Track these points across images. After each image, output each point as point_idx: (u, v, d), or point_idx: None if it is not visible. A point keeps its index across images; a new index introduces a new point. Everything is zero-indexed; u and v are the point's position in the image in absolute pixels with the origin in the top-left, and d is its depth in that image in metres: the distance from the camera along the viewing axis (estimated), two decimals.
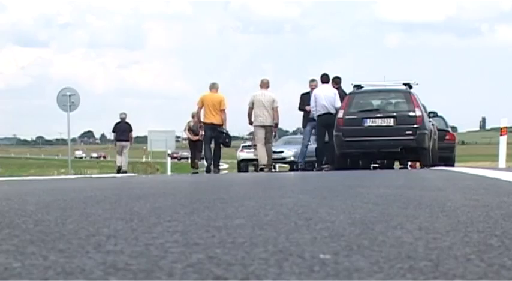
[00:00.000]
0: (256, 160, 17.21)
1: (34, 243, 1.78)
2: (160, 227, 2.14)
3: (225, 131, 15.99)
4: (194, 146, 20.69)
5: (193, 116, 19.95)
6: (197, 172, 19.34)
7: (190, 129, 20.59)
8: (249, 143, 23.88)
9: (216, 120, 15.54)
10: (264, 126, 15.43)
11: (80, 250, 1.63)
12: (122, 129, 22.44)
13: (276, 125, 15.88)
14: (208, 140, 16.11)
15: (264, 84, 15.66)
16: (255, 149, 17.30)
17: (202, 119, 15.86)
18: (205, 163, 17.95)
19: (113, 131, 23.03)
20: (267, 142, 15.56)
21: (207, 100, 15.67)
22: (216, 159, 16.23)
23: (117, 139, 22.70)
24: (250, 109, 15.53)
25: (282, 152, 23.00)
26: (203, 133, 16.90)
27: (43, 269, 1.36)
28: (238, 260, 1.46)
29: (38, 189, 6.05)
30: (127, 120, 22.81)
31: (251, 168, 24.88)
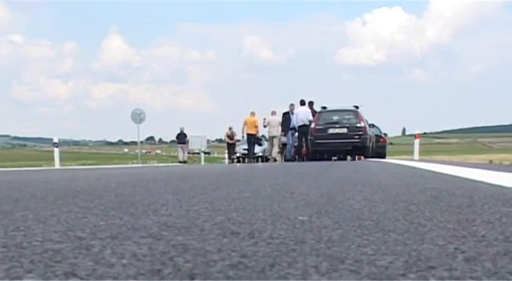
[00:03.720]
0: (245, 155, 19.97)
1: (114, 209, 1.77)
2: (196, 199, 2.12)
3: (256, 136, 19.16)
4: (230, 146, 23.31)
5: (230, 128, 23.03)
6: (233, 162, 20.61)
7: (228, 136, 23.05)
8: (246, 146, 23.79)
9: (252, 131, 18.41)
10: (273, 137, 17.49)
11: (144, 214, 1.61)
12: (181, 137, 24.18)
13: (284, 134, 17.64)
14: (248, 143, 18.98)
15: (273, 113, 17.73)
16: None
17: (245, 131, 18.56)
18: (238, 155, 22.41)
19: (176, 138, 24.58)
20: (275, 145, 17.69)
21: (248, 121, 18.38)
22: (250, 155, 19.03)
23: (178, 142, 24.26)
24: (265, 126, 17.76)
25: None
26: (237, 138, 22.16)
27: (119, 226, 1.35)
28: (246, 220, 1.44)
29: (118, 173, 6.04)
30: (184, 131, 24.51)
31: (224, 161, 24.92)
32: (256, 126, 18.37)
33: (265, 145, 21.83)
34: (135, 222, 1.42)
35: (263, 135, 20.74)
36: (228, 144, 23.36)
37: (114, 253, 1.00)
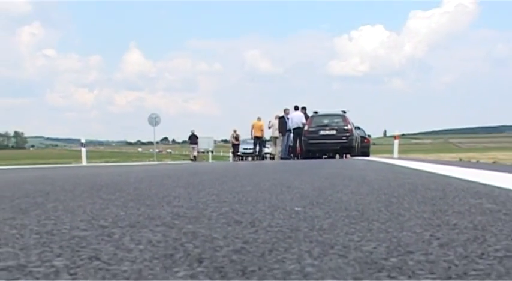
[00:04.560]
0: (250, 154, 20.26)
1: (133, 200, 1.76)
2: (204, 192, 2.11)
3: (263, 139, 19.06)
4: (235, 146, 23.58)
5: (234, 131, 23.58)
6: (238, 160, 20.62)
7: (234, 137, 23.56)
8: (245, 145, 23.68)
9: (259, 134, 18.42)
10: (276, 138, 17.17)
11: (158, 205, 1.60)
12: (193, 138, 24.23)
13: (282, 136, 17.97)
14: (255, 144, 18.87)
15: (277, 117, 17.30)
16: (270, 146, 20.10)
17: (253, 134, 18.42)
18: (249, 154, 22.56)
19: (189, 139, 24.74)
20: (278, 144, 17.58)
21: (255, 125, 18.39)
22: (255, 153, 19.20)
23: (191, 143, 24.33)
24: (269, 128, 17.50)
25: (252, 148, 22.65)
26: (241, 139, 22.55)
27: (137, 216, 1.34)
28: (248, 211, 1.43)
29: (136, 169, 6.03)
30: (195, 133, 24.66)
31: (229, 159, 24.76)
32: (262, 130, 18.54)
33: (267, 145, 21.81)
34: (151, 212, 1.41)
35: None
36: (234, 144, 23.87)
37: (133, 239, 0.99)
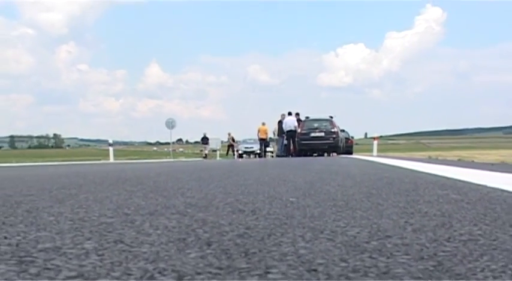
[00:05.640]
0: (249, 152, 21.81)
1: (152, 192, 1.75)
2: (213, 185, 2.10)
3: (266, 140, 18.54)
4: (231, 146, 24.05)
5: (229, 134, 24.00)
6: (240, 157, 20.61)
7: (231, 139, 23.98)
8: (246, 145, 23.53)
9: (264, 136, 17.99)
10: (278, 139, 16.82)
11: (173, 196, 1.60)
12: (205, 139, 24.31)
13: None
14: (261, 144, 18.40)
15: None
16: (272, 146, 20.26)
17: (259, 136, 17.96)
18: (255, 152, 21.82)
19: (201, 140, 24.73)
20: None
21: (260, 128, 17.96)
22: (262, 152, 18.56)
23: (203, 143, 24.47)
24: (273, 132, 17.30)
25: (252, 147, 22.32)
26: (235, 141, 22.17)
27: (155, 205, 1.34)
28: (250, 201, 1.42)
29: (155, 166, 6.02)
30: (207, 135, 24.64)
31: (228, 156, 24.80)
32: (266, 133, 18.51)
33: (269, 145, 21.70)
34: (167, 202, 1.40)
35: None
36: (231, 144, 24.40)
37: (151, 225, 0.98)
